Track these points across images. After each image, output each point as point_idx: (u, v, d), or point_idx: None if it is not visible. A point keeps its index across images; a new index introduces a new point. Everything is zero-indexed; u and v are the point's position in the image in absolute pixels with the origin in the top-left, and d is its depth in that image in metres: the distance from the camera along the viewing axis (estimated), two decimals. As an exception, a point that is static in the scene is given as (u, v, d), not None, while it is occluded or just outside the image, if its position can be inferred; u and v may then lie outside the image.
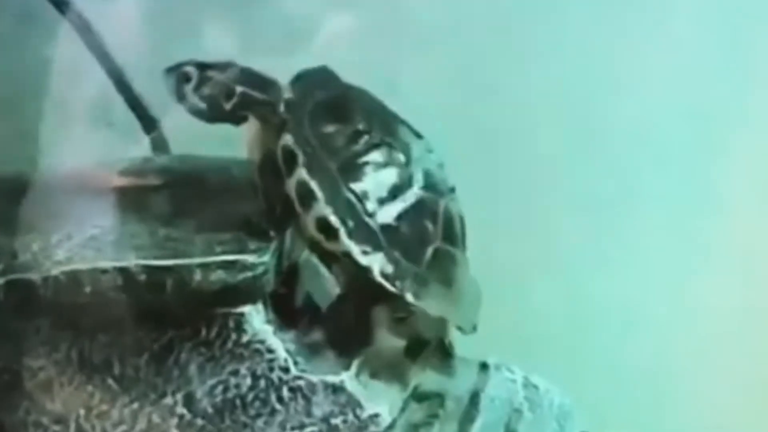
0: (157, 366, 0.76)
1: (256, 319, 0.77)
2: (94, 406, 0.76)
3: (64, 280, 0.75)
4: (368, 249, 0.78)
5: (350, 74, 1.04)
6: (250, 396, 0.77)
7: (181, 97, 0.81)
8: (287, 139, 0.79)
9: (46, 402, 0.76)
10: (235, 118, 0.82)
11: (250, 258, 0.77)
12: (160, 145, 1.03)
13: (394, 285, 0.78)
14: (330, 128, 0.80)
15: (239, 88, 0.81)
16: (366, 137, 0.80)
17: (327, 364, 0.79)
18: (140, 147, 1.03)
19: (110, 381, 0.76)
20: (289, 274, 0.83)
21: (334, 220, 0.78)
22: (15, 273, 0.76)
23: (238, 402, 0.77)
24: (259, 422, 0.77)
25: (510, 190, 1.10)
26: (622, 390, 1.11)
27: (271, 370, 0.77)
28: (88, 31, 1.02)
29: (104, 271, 0.75)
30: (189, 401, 0.76)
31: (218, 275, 0.76)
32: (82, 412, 0.76)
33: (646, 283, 1.11)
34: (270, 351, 0.77)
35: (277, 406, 0.77)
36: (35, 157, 0.92)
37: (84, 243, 0.78)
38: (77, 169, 0.86)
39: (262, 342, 0.77)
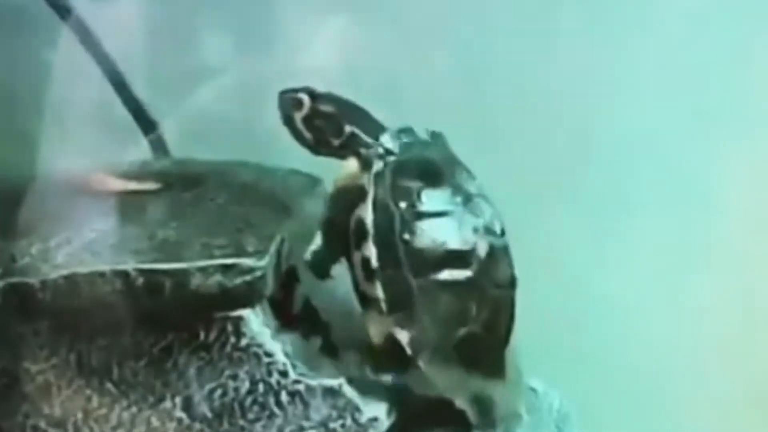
0: (155, 370, 0.76)
1: (255, 322, 0.77)
2: (92, 409, 0.76)
3: (63, 284, 0.75)
4: (397, 303, 0.77)
5: (348, 76, 1.04)
6: (249, 400, 0.77)
7: (287, 122, 0.82)
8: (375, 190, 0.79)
9: (44, 406, 0.76)
10: (339, 154, 0.81)
11: (248, 261, 0.77)
12: (158, 147, 1.03)
13: (409, 347, 0.77)
14: (412, 184, 0.79)
15: (348, 128, 0.81)
16: (442, 202, 0.79)
17: (326, 367, 0.79)
18: (139, 149, 1.04)
19: (109, 385, 0.76)
20: (287, 278, 0.83)
21: (375, 263, 0.78)
22: (14, 276, 0.76)
23: (236, 406, 0.77)
24: (258, 426, 0.77)
25: (509, 191, 1.10)
26: (620, 393, 1.11)
27: (270, 374, 0.77)
28: (88, 35, 1.02)
29: (102, 275, 0.75)
30: (187, 405, 0.76)
31: (216, 279, 0.76)
32: (80, 415, 0.76)
33: (645, 285, 1.11)
34: (268, 355, 0.77)
35: (276, 410, 0.77)
36: (34, 160, 0.92)
37: (83, 247, 0.78)
38: (76, 173, 0.86)
39: (260, 346, 0.77)
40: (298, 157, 0.93)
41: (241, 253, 0.77)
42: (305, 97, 0.81)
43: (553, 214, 1.09)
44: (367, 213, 0.78)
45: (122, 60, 1.04)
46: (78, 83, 1.02)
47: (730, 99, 1.08)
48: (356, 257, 0.79)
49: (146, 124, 1.04)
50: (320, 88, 1.06)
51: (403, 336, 0.77)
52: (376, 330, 0.78)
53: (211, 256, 0.77)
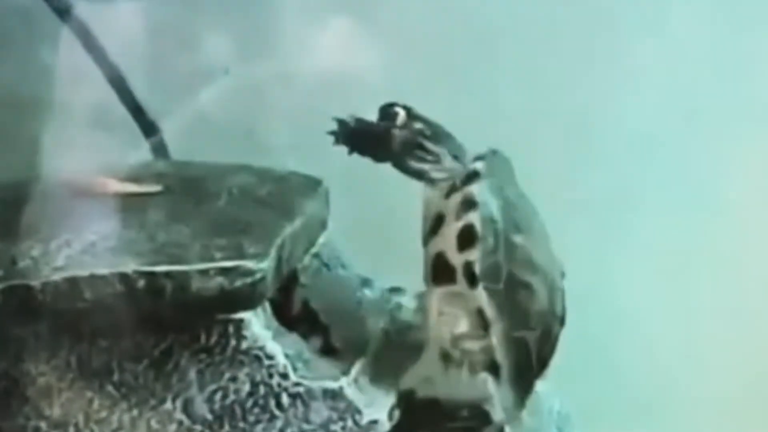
0: (156, 372, 0.76)
1: (256, 325, 0.77)
2: (93, 412, 0.76)
3: (63, 286, 0.75)
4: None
5: (349, 78, 1.04)
6: (249, 402, 0.77)
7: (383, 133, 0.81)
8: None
9: (45, 408, 0.76)
10: (419, 173, 0.80)
11: (249, 264, 0.77)
12: (159, 149, 1.03)
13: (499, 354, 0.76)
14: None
15: (435, 148, 0.80)
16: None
17: (326, 370, 0.79)
18: (140, 152, 1.04)
19: (109, 387, 0.76)
20: (287, 280, 0.83)
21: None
22: (14, 279, 0.76)
23: (237, 408, 0.77)
24: (258, 428, 0.76)
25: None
26: (620, 394, 1.11)
27: (271, 376, 0.77)
28: (89, 37, 1.03)
29: (103, 278, 0.75)
30: (188, 407, 0.76)
31: (217, 281, 0.76)
32: (81, 418, 0.76)
33: (646, 285, 1.11)
34: (269, 357, 0.77)
35: (276, 413, 0.77)
36: (35, 163, 0.92)
37: (83, 249, 0.78)
38: (76, 175, 0.86)
39: (261, 348, 0.77)
40: (298, 158, 0.93)
41: (242, 255, 0.77)
42: (401, 111, 0.81)
43: (554, 213, 1.09)
44: (476, 220, 0.77)
45: (123, 62, 1.04)
46: (79, 85, 1.02)
47: (734, 97, 1.09)
48: (458, 259, 0.77)
49: (147, 126, 1.04)
50: (319, 89, 1.06)
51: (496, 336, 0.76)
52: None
53: (212, 259, 0.77)
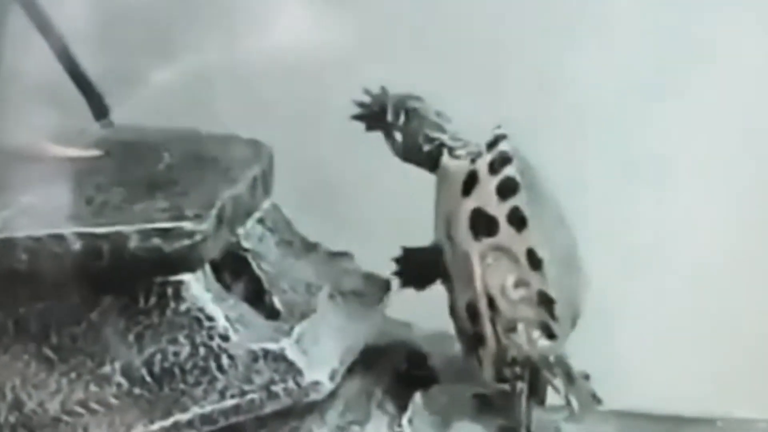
0: (94, 335, 0.76)
1: (195, 287, 0.77)
2: (30, 375, 0.75)
3: None
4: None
5: (312, 60, 1.04)
6: (189, 364, 0.76)
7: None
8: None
9: (-19, 372, 0.76)
10: (424, 160, 0.83)
11: (188, 225, 0.76)
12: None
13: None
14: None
15: (440, 135, 0.82)
16: None
17: (267, 331, 0.78)
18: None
19: (46, 350, 0.75)
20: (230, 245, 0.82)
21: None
22: (-50, 241, 0.75)
23: (177, 370, 0.76)
24: (199, 390, 0.76)
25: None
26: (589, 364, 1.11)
27: (211, 338, 0.76)
28: (40, 16, 1.01)
29: (39, 239, 0.74)
30: (127, 370, 0.76)
31: (155, 242, 0.75)
32: (18, 381, 0.75)
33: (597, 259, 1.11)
34: (209, 319, 0.77)
35: (217, 374, 0.76)
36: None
37: (20, 211, 0.77)
38: (15, 140, 0.85)
39: (201, 310, 0.77)
40: (248, 130, 0.93)
41: (181, 217, 0.76)
42: (405, 99, 0.83)
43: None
44: (514, 172, 0.78)
45: (75, 43, 1.04)
46: (27, 62, 1.01)
47: (671, 72, 1.09)
48: (501, 209, 0.78)
49: (98, 108, 1.03)
50: (282, 71, 1.06)
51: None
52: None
53: (151, 220, 0.76)
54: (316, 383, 0.77)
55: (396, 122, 0.83)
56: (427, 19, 1.11)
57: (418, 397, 0.81)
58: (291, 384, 0.76)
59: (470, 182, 0.79)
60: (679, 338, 1.12)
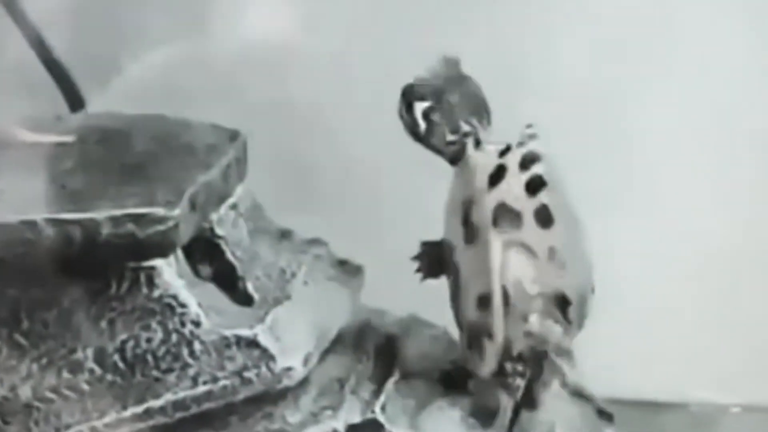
0: (66, 321, 0.76)
1: (168, 273, 0.77)
2: (1, 361, 0.75)
3: (-29, 235, 0.75)
4: None
5: (286, 52, 1.04)
6: (162, 350, 0.76)
7: (407, 110, 0.83)
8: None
9: (-48, 358, 0.76)
10: (448, 151, 0.82)
11: (160, 211, 0.76)
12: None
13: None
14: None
15: (465, 126, 0.82)
16: None
17: (240, 317, 0.78)
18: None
19: (18, 336, 0.75)
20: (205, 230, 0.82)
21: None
22: None
23: (149, 357, 0.76)
24: (171, 377, 0.76)
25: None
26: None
27: (183, 324, 0.76)
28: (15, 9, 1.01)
29: (10, 225, 0.74)
30: (99, 356, 0.76)
31: (128, 228, 0.75)
32: (-11, 367, 0.75)
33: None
34: (182, 305, 0.77)
35: (189, 361, 0.76)
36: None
37: (-8, 197, 0.77)
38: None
39: (173, 296, 0.77)
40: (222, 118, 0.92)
41: (153, 202, 0.76)
42: (429, 88, 0.82)
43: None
44: (543, 170, 0.79)
45: (49, 31, 1.03)
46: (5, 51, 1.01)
47: (651, 49, 1.09)
48: (528, 205, 0.79)
49: (74, 100, 1.03)
50: (256, 59, 1.06)
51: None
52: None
53: (123, 206, 0.76)
54: (289, 369, 0.77)
55: (430, 106, 0.83)
56: (403, 7, 1.11)
57: (391, 382, 0.81)
58: (264, 370, 0.76)
59: (498, 175, 0.80)
60: (654, 324, 1.12)
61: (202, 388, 0.76)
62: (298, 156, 1.09)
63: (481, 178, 0.80)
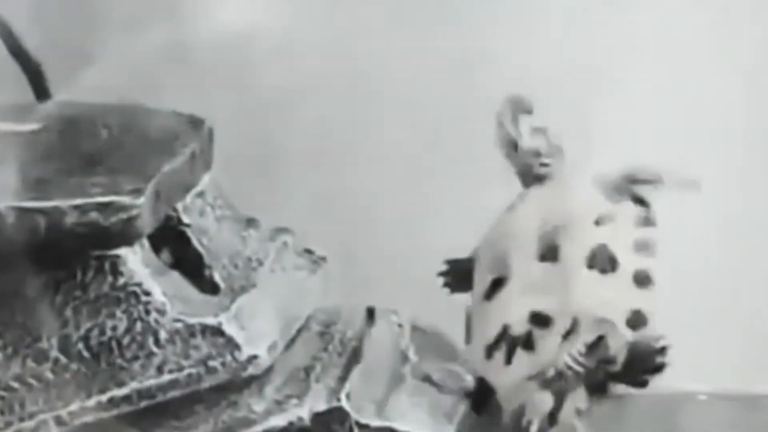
0: (31, 309, 0.75)
1: (133, 261, 0.77)
2: (-35, 350, 0.75)
3: (-66, 223, 0.74)
4: None
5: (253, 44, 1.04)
6: (127, 339, 0.76)
7: (508, 123, 0.84)
8: None
9: None
10: (540, 172, 0.84)
11: (124, 200, 0.76)
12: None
13: None
14: None
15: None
16: None
17: (206, 306, 0.78)
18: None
19: (-18, 325, 0.75)
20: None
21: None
22: None
23: (114, 345, 0.76)
24: (136, 365, 0.76)
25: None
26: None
27: (148, 312, 0.76)
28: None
29: (-27, 214, 0.74)
30: (64, 345, 0.75)
31: (92, 217, 0.75)
32: (-48, 356, 0.75)
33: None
34: (146, 294, 0.76)
35: (154, 349, 0.76)
36: None
37: (-46, 186, 0.77)
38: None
39: (138, 285, 0.76)
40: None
41: (118, 191, 0.76)
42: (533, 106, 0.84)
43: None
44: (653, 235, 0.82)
45: (19, 24, 1.03)
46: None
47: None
48: (630, 260, 0.81)
49: (40, 89, 1.02)
50: (226, 49, 1.06)
51: None
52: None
53: (87, 195, 0.76)
54: (254, 357, 0.77)
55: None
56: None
57: (357, 371, 0.81)
58: (229, 358, 0.76)
59: (606, 219, 0.81)
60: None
61: (167, 377, 0.76)
62: (267, 145, 1.09)
63: (583, 214, 0.82)
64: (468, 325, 0.83)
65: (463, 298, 0.85)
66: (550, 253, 0.81)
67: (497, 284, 0.82)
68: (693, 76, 1.10)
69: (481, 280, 0.83)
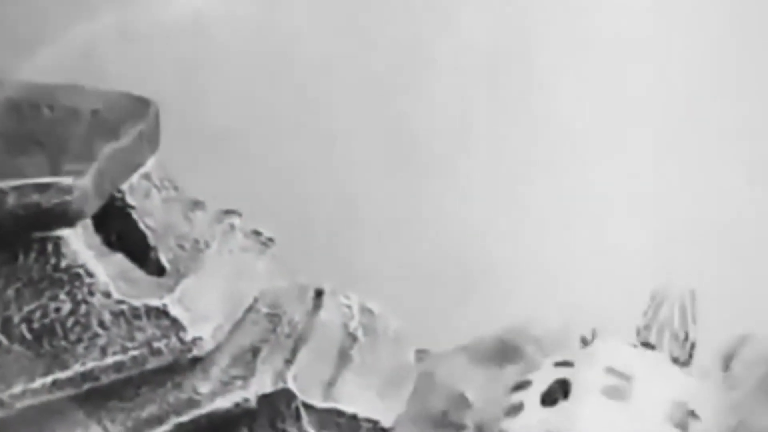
0: (-28, 292, 0.75)
1: (75, 242, 0.76)
2: None
3: None
4: None
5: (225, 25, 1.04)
6: (70, 321, 0.75)
7: None
8: None
9: None
10: None
11: (66, 181, 0.75)
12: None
13: None
14: None
15: None
16: None
17: (151, 287, 0.78)
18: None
19: (-77, 308, 0.75)
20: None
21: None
22: None
23: (57, 327, 0.75)
24: (80, 347, 0.75)
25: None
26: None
27: (92, 294, 0.76)
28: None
29: None
30: (6, 327, 0.75)
31: (33, 198, 0.74)
32: None
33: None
34: (90, 275, 0.76)
35: (99, 331, 0.76)
36: None
37: None
38: None
39: (81, 266, 0.76)
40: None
41: (59, 172, 0.76)
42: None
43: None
44: None
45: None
46: None
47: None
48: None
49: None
50: (173, 30, 1.06)
51: None
52: None
53: (28, 176, 0.75)
54: (199, 339, 0.76)
55: None
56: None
57: (304, 352, 0.81)
58: (173, 340, 0.76)
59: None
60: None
61: (111, 359, 0.75)
62: (215, 126, 1.08)
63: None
64: None
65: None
66: None
67: None
68: (641, 66, 1.10)
69: None
